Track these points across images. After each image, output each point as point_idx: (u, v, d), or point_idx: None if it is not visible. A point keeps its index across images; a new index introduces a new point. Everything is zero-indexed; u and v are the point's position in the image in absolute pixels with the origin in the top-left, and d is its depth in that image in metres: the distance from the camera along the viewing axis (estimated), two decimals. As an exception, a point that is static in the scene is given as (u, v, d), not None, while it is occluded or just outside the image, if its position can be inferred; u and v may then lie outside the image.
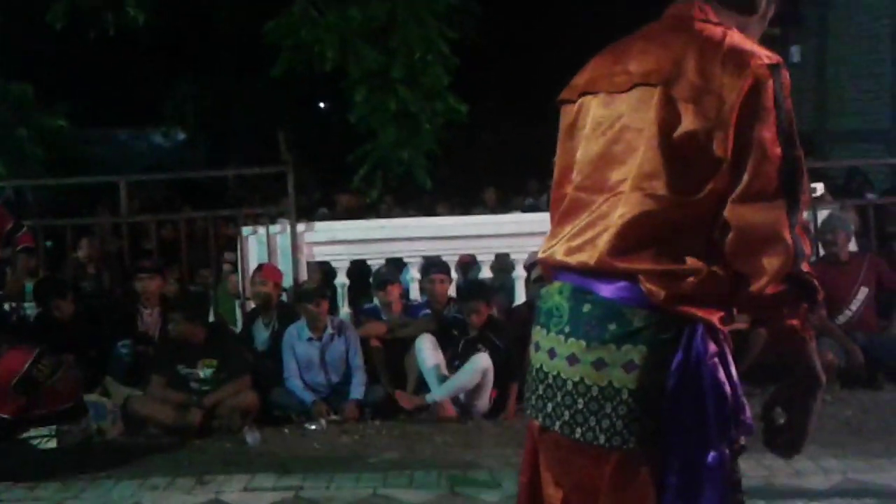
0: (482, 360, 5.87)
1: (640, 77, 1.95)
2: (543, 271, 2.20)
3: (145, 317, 6.78)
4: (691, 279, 1.85)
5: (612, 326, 1.88)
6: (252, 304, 6.96)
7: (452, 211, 10.28)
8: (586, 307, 1.92)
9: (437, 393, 5.85)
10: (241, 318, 7.20)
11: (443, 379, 5.94)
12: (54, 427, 4.94)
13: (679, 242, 1.88)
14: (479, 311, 6.06)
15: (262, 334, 6.66)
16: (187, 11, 11.58)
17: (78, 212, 9.80)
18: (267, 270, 6.89)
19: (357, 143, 10.98)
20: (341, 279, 7.29)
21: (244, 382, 6.02)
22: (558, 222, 2.08)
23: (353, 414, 5.99)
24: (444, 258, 7.20)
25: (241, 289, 7.29)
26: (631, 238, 1.88)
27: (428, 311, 6.67)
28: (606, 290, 1.90)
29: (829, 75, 13.54)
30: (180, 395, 5.97)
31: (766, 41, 1.99)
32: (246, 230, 7.33)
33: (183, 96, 14.43)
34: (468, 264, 7.64)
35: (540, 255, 2.14)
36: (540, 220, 7.38)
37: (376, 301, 6.86)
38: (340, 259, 7.32)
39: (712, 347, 1.86)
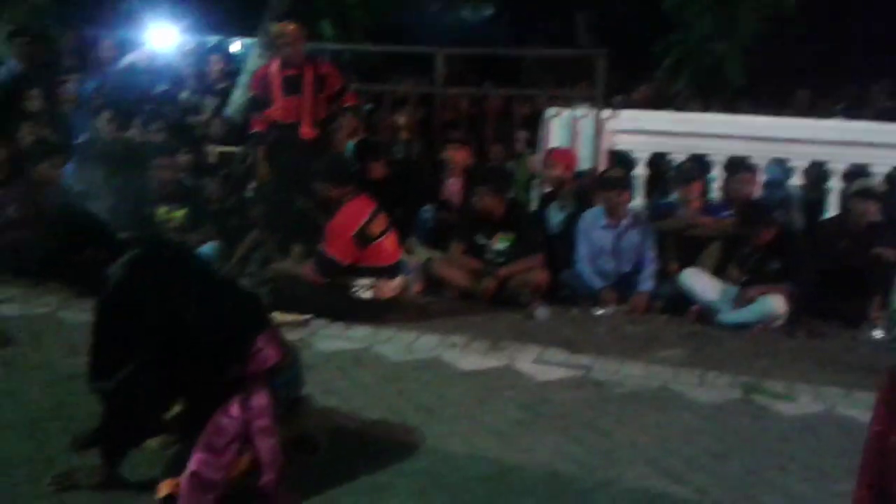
0: (775, 305, 5.60)
1: None
2: None
3: (449, 186, 7.10)
4: None
5: None
6: (546, 185, 7.07)
7: (756, 110, 9.67)
8: None
9: (724, 319, 5.69)
10: (536, 198, 7.33)
11: (725, 293, 5.79)
12: (373, 280, 5.38)
13: None
14: (759, 234, 5.76)
15: (556, 216, 6.76)
16: None
17: (388, 78, 10.28)
18: (557, 154, 6.94)
19: (662, 32, 10.55)
20: (640, 170, 7.17)
21: (537, 260, 6.18)
22: None
23: (641, 305, 6.00)
24: (753, 160, 6.86)
25: (537, 169, 7.40)
26: None
27: (728, 212, 6.43)
28: None
29: None
30: (476, 262, 6.27)
31: None
32: (550, 112, 7.35)
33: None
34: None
35: None
36: (863, 130, 6.82)
37: (674, 196, 6.72)
38: (642, 150, 7.18)
39: None
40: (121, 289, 2.99)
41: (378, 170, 6.99)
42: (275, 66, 6.55)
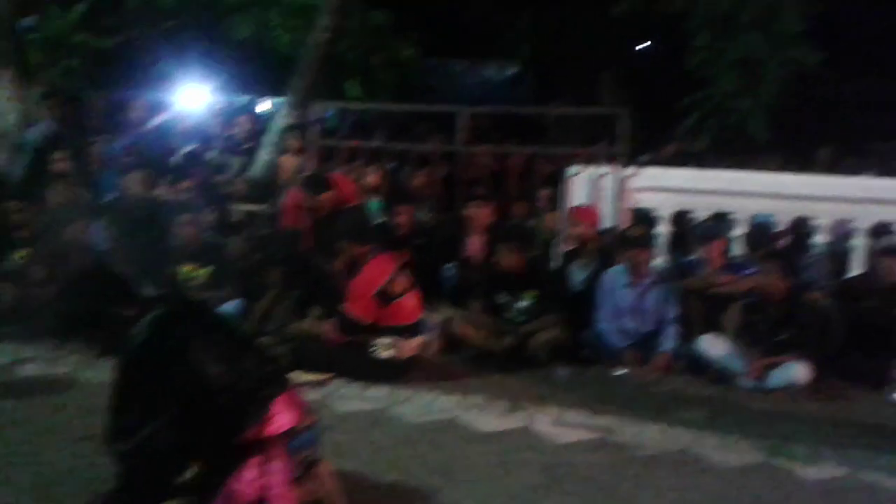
0: (797, 373, 5.48)
1: None
2: None
3: (471, 243, 7.11)
4: None
5: None
6: (569, 243, 7.06)
7: (782, 168, 9.65)
8: None
9: (745, 385, 5.60)
10: (558, 256, 7.32)
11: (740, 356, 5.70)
12: (394, 339, 5.39)
13: None
14: (772, 277, 5.68)
15: (578, 275, 6.73)
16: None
17: (412, 137, 10.40)
18: (581, 212, 6.95)
19: (685, 90, 10.62)
20: (663, 228, 7.16)
21: (558, 319, 6.15)
22: None
23: (662, 365, 5.94)
24: (776, 218, 6.84)
25: (559, 227, 7.41)
26: None
27: (751, 270, 6.37)
28: None
29: None
30: (497, 321, 6.25)
31: None
32: (572, 170, 7.38)
33: (518, 31, 14.67)
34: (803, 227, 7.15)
35: None
36: (889, 187, 6.77)
37: (696, 254, 6.69)
38: (664, 208, 7.18)
39: None
40: (144, 347, 3.02)
41: (401, 228, 7.04)
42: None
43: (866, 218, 6.67)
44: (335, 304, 5.61)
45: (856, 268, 6.62)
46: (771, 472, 4.15)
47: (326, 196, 6.46)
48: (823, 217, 6.83)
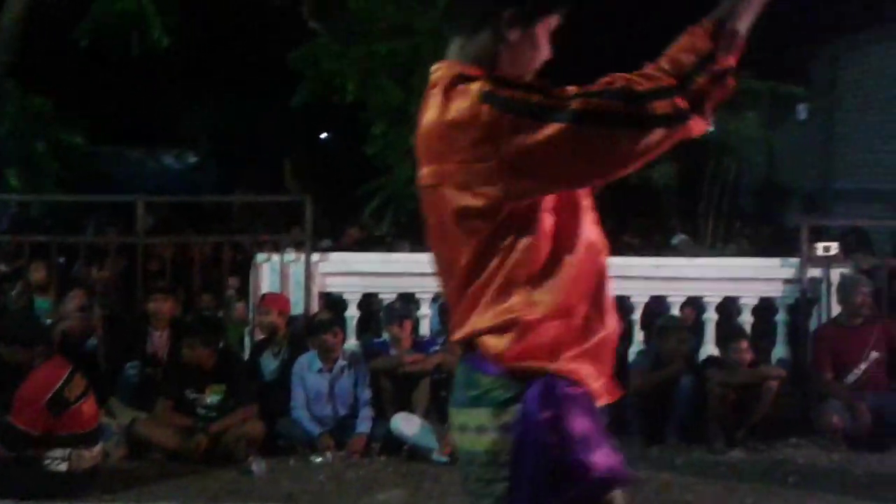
0: None
1: None
2: None
3: (154, 339, 6.76)
4: (517, 332, 1.86)
5: (470, 391, 1.93)
6: (260, 332, 6.95)
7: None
8: (460, 375, 2.00)
9: (439, 459, 5.78)
10: (248, 346, 7.17)
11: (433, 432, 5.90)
12: (69, 450, 4.91)
13: (494, 299, 1.89)
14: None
15: (270, 363, 6.63)
16: (210, 36, 11.69)
17: (84, 229, 9.79)
18: (270, 299, 6.88)
19: (365, 177, 11.05)
20: (352, 312, 7.26)
21: (251, 411, 5.98)
22: None
23: (359, 448, 5.96)
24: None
25: (250, 316, 7.28)
26: (457, 313, 1.96)
27: (436, 347, 6.65)
28: (466, 358, 1.98)
29: (836, 135, 13.73)
30: (186, 419, 5.95)
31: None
32: (260, 257, 7.31)
33: (198, 120, 14.50)
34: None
35: None
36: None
37: (385, 335, 6.85)
38: (353, 291, 7.30)
39: (546, 409, 1.85)
40: None
41: (76, 327, 6.54)
42: None
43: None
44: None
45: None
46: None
47: None
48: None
